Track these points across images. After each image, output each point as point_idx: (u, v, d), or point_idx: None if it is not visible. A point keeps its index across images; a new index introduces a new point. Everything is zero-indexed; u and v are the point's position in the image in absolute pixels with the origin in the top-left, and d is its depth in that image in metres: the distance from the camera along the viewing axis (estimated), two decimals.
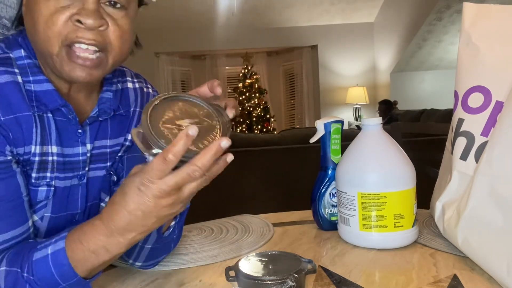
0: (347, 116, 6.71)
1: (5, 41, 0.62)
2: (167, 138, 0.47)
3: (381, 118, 0.81)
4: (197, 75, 7.38)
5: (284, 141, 2.57)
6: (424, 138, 2.63)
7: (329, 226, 0.88)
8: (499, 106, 0.69)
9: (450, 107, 0.85)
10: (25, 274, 0.52)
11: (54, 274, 0.52)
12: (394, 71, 6.32)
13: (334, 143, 0.88)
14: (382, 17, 6.59)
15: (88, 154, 0.66)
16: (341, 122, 0.90)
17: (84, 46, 0.56)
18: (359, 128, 5.52)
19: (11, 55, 0.60)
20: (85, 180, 0.67)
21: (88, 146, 0.66)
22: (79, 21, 0.54)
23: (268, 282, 0.53)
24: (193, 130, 0.45)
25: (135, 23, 0.62)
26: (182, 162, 0.47)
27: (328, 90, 7.02)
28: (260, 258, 0.60)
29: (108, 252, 0.52)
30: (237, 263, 0.59)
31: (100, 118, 0.67)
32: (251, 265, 0.58)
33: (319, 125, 0.88)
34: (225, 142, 0.47)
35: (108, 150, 0.70)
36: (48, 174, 0.62)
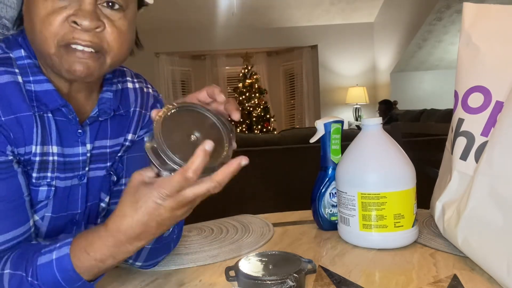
0: (347, 116, 6.71)
1: (5, 41, 0.62)
2: (181, 152, 0.48)
3: (381, 118, 0.81)
4: (197, 75, 7.38)
5: (284, 141, 2.57)
6: (424, 138, 2.63)
7: (329, 226, 0.88)
8: (499, 106, 0.69)
9: (450, 107, 0.85)
10: (29, 278, 0.52)
11: (58, 278, 0.52)
12: (394, 71, 6.32)
13: (334, 143, 0.88)
14: (382, 17, 6.59)
15: (88, 154, 0.66)
16: (341, 122, 0.90)
17: (80, 47, 0.56)
18: (359, 128, 5.52)
19: (11, 55, 0.60)
20: (85, 180, 0.67)
21: (88, 146, 0.66)
22: (75, 22, 0.54)
23: (268, 282, 0.53)
24: (209, 146, 0.47)
25: (134, 25, 0.62)
26: None
27: (328, 90, 7.02)
28: (260, 258, 0.60)
29: (115, 259, 0.53)
30: (237, 263, 0.59)
31: (100, 118, 0.67)
32: (251, 265, 0.58)
33: (319, 125, 0.88)
34: (244, 162, 0.49)
35: (108, 150, 0.70)
36: (49, 174, 0.62)
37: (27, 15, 0.58)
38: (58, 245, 0.53)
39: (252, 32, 6.77)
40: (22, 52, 0.60)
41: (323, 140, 0.89)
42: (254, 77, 6.74)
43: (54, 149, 0.62)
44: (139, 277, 0.69)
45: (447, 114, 3.66)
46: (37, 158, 0.60)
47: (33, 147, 0.59)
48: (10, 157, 0.56)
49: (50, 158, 0.61)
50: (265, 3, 6.15)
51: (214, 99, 0.56)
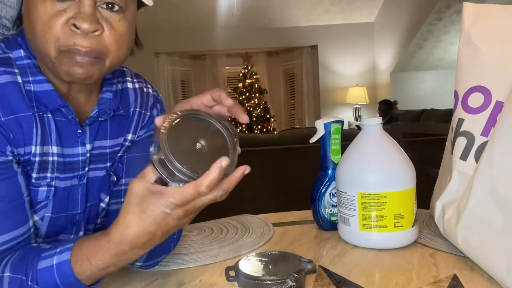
0: (347, 116, 6.71)
1: (4, 41, 0.62)
2: (188, 162, 0.48)
3: (381, 118, 0.81)
4: (197, 75, 7.38)
5: (284, 141, 2.57)
6: (424, 138, 2.63)
7: (329, 226, 0.88)
8: (499, 106, 0.69)
9: (450, 107, 0.85)
10: (29, 283, 0.52)
11: (58, 283, 0.52)
12: (394, 71, 6.32)
13: (334, 143, 0.88)
14: (382, 17, 6.59)
15: (88, 155, 0.66)
16: (341, 122, 0.90)
17: (79, 54, 0.55)
18: (359, 128, 5.52)
19: (10, 55, 0.60)
20: (85, 181, 0.67)
21: (88, 147, 0.66)
22: (75, 25, 0.54)
23: (268, 282, 0.53)
24: (225, 162, 0.47)
25: (134, 25, 0.62)
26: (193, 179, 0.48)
27: (328, 90, 7.02)
28: (260, 258, 0.60)
29: (117, 266, 0.53)
30: (237, 263, 0.59)
31: (99, 119, 0.67)
32: (251, 265, 0.58)
33: (319, 125, 0.88)
34: (248, 171, 0.50)
35: (107, 150, 0.70)
36: (49, 175, 0.62)
37: (26, 16, 0.57)
38: (58, 250, 0.53)
39: (252, 32, 6.77)
40: (22, 52, 0.60)
41: (323, 140, 0.89)
42: (254, 77, 6.74)
43: (54, 149, 0.62)
44: (139, 277, 0.69)
45: (447, 114, 3.66)
46: (37, 159, 0.60)
47: (33, 148, 0.59)
48: (10, 158, 0.56)
49: (50, 158, 0.61)
50: (265, 3, 6.15)
51: (220, 103, 0.56)
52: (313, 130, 0.90)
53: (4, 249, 0.55)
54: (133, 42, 0.64)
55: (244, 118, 0.54)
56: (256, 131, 6.59)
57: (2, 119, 0.55)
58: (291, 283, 0.53)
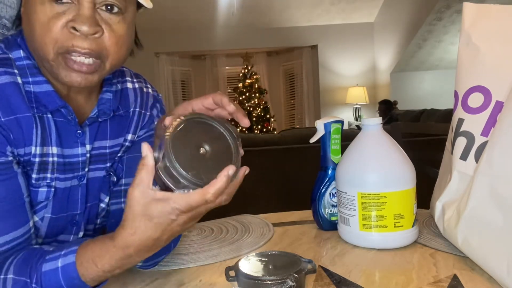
0: (347, 116, 6.71)
1: (4, 41, 0.62)
2: (193, 169, 0.48)
3: (381, 118, 0.81)
4: (197, 75, 7.38)
5: (284, 141, 2.57)
6: (424, 138, 2.63)
7: (329, 226, 0.88)
8: (499, 106, 0.69)
9: (450, 107, 0.85)
10: (33, 285, 0.52)
11: (63, 286, 0.52)
12: (394, 71, 6.32)
13: (334, 143, 0.88)
14: (382, 17, 6.59)
15: (88, 155, 0.66)
16: (341, 122, 0.90)
17: (78, 58, 0.55)
18: (359, 128, 5.52)
19: (10, 55, 0.60)
20: (85, 181, 0.67)
21: (88, 147, 0.66)
22: (74, 28, 0.54)
23: (268, 282, 0.53)
24: (231, 171, 0.48)
25: (133, 26, 0.62)
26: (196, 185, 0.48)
27: (328, 90, 7.02)
28: (260, 258, 0.60)
29: (122, 269, 0.54)
30: (237, 263, 0.59)
31: (99, 119, 0.66)
32: (251, 265, 0.58)
33: (319, 125, 0.88)
34: (247, 170, 0.52)
35: (107, 150, 0.70)
36: (49, 175, 0.62)
37: (25, 18, 0.57)
38: (63, 252, 0.53)
39: (252, 32, 6.77)
40: (21, 53, 0.60)
41: (323, 140, 0.89)
42: (254, 77, 6.74)
43: (54, 150, 0.62)
44: (139, 277, 0.69)
45: (447, 114, 3.66)
46: (37, 159, 0.60)
47: (33, 148, 0.59)
48: (10, 158, 0.56)
49: (50, 159, 0.61)
50: (265, 3, 6.15)
51: (221, 107, 0.56)
52: (313, 130, 0.90)
53: (4, 250, 0.55)
54: (133, 43, 0.64)
55: (245, 122, 0.55)
56: (256, 131, 6.58)
57: (2, 119, 0.55)
58: (291, 283, 0.53)
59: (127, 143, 0.72)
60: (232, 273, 0.58)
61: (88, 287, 0.54)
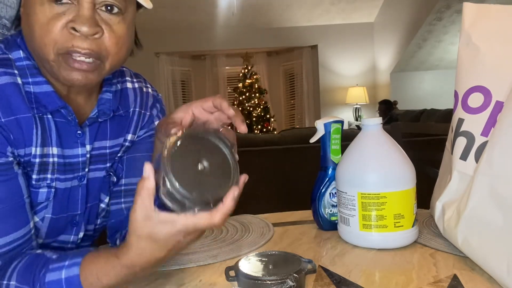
0: (347, 116, 6.71)
1: (4, 41, 0.62)
2: (195, 189, 0.47)
3: (381, 118, 0.81)
4: (197, 75, 7.38)
5: (284, 141, 2.57)
6: (424, 138, 2.63)
7: (329, 226, 0.88)
8: (499, 106, 0.69)
9: (450, 107, 0.85)
10: None
11: None
12: (394, 71, 6.32)
13: (334, 143, 0.88)
14: (382, 17, 6.59)
15: (88, 155, 0.66)
16: (341, 122, 0.90)
17: (78, 57, 0.55)
18: (359, 128, 5.52)
19: (10, 56, 0.59)
20: (85, 181, 0.67)
21: (88, 147, 0.66)
22: (74, 28, 0.54)
23: (268, 282, 0.53)
24: (237, 192, 0.48)
25: (133, 26, 0.62)
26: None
27: (328, 90, 7.02)
28: (260, 258, 0.60)
29: (127, 282, 0.53)
30: (237, 263, 0.59)
31: (99, 119, 0.66)
32: (251, 265, 0.58)
33: (319, 125, 0.88)
34: (246, 179, 0.51)
35: (107, 151, 0.70)
36: (49, 176, 0.62)
37: (25, 18, 0.57)
38: (67, 263, 0.53)
39: (252, 32, 6.77)
40: (21, 53, 0.60)
41: (323, 140, 0.89)
42: (254, 77, 6.74)
43: (54, 150, 0.61)
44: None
45: (447, 114, 3.66)
46: (37, 160, 0.60)
47: (33, 149, 0.59)
48: (10, 159, 0.56)
49: (50, 159, 0.61)
50: (265, 3, 6.15)
51: (221, 111, 0.56)
52: (313, 130, 0.90)
53: (5, 251, 0.55)
54: (133, 43, 0.64)
55: (243, 129, 0.54)
56: (256, 131, 6.58)
57: (3, 120, 0.55)
58: (291, 283, 0.53)
59: (127, 143, 0.72)
60: (232, 273, 0.58)
61: None
